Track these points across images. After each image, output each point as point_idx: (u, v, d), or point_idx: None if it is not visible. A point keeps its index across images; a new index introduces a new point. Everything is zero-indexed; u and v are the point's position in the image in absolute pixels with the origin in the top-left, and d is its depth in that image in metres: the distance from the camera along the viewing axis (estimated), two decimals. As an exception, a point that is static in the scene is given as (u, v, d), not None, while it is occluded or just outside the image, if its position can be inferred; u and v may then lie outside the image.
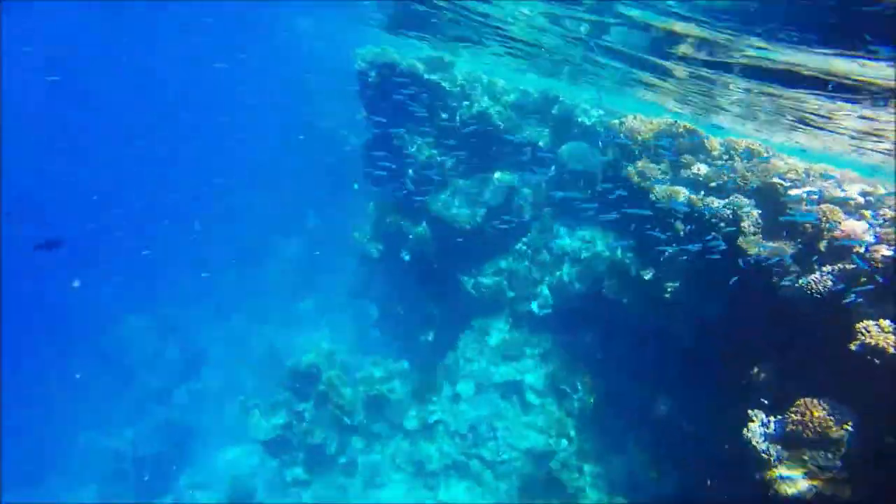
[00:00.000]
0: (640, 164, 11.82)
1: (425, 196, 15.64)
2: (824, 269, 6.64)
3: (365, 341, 21.69)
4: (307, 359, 15.43)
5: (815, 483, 5.57)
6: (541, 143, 16.15)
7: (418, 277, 17.09)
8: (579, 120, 16.18)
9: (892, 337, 5.14)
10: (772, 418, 6.21)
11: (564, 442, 13.23)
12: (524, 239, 15.97)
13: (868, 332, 5.30)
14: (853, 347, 5.38)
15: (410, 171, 16.07)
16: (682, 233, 10.56)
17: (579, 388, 14.35)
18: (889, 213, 7.14)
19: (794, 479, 5.63)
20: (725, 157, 11.05)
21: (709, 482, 10.15)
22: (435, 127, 15.96)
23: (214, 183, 30.64)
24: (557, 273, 15.40)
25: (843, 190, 8.01)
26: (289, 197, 29.09)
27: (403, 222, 16.17)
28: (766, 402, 6.84)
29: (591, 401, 13.93)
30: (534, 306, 15.67)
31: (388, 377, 16.30)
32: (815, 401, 5.91)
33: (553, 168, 16.00)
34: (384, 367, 16.59)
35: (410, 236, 16.16)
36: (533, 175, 16.11)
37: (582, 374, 14.45)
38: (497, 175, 15.56)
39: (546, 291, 15.66)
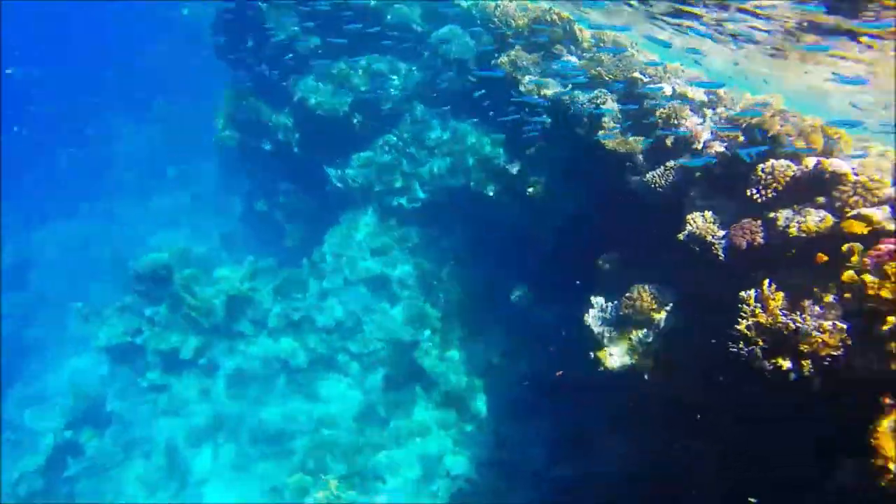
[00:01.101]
0: (513, 52, 11.40)
1: (287, 80, 14.17)
2: (668, 164, 6.88)
3: (228, 239, 20.35)
4: (155, 258, 14.08)
5: (633, 358, 6.10)
6: (415, 27, 15.06)
7: (281, 170, 15.94)
8: (455, 2, 15.17)
9: (713, 227, 5.49)
10: (609, 304, 6.63)
11: (428, 332, 13.60)
12: (394, 130, 15.27)
13: (694, 222, 5.61)
14: (681, 237, 5.71)
15: (270, 51, 14.37)
16: (548, 126, 10.54)
17: (445, 280, 14.64)
18: (725, 112, 7.50)
19: (617, 355, 6.14)
20: (594, 49, 10.95)
21: (557, 370, 11.01)
22: (298, 2, 14.19)
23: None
24: (428, 166, 15.07)
25: (690, 88, 8.26)
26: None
27: (263, 109, 14.67)
28: (609, 286, 7.26)
29: (456, 293, 14.33)
30: (403, 200, 15.37)
31: (251, 275, 15.51)
32: (646, 286, 6.35)
33: (426, 54, 15.11)
34: (247, 266, 15.71)
35: (271, 124, 14.80)
36: (404, 62, 15.15)
37: (449, 267, 14.72)
38: (365, 60, 14.41)
39: (416, 185, 15.34)
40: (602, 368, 6.39)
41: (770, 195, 5.06)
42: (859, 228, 4.30)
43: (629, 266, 8.02)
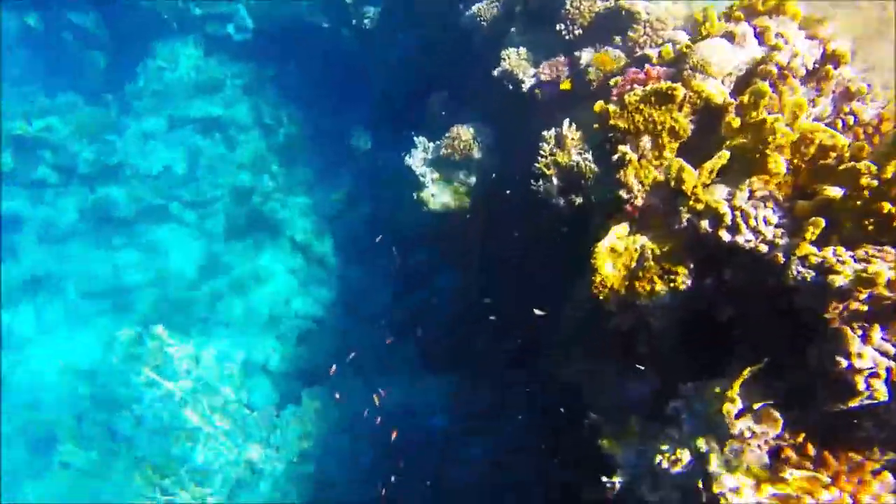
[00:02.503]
0: None
1: None
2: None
3: (16, 71, 16.79)
4: None
5: (454, 199, 6.37)
6: None
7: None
8: None
9: (525, 64, 5.53)
10: (431, 144, 6.65)
11: (267, 177, 12.98)
12: (210, -60, 12.90)
13: (508, 58, 5.60)
14: (495, 73, 5.71)
15: None
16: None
17: (285, 121, 13.71)
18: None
19: (438, 196, 6.35)
20: None
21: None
22: None
23: None
24: (254, -11, 13.20)
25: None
26: None
27: None
28: (437, 124, 7.24)
29: (297, 135, 13.58)
30: (230, 28, 13.55)
31: (42, 112, 13.18)
32: (466, 126, 6.41)
33: None
34: (37, 103, 13.30)
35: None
36: None
37: (287, 107, 13.72)
38: None
39: (243, 11, 13.49)
40: (425, 209, 6.60)
41: (577, 33, 5.13)
42: (610, 65, 4.67)
43: (459, 106, 8.01)
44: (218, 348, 10.84)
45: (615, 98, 3.79)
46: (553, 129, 4.96)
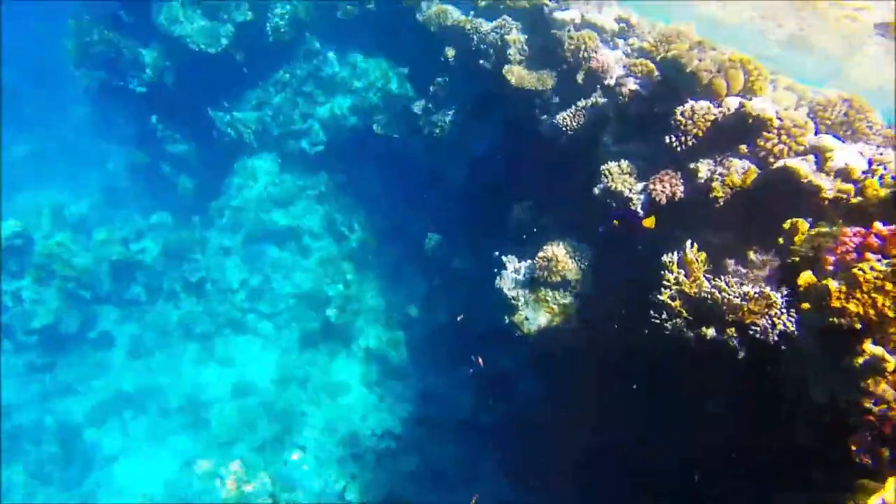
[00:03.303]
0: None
1: (149, 4, 12.09)
2: (579, 103, 6.25)
3: (112, 195, 18.09)
4: (8, 228, 12.09)
5: (550, 321, 5.71)
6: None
7: (160, 114, 14.01)
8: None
9: (630, 180, 4.97)
10: (522, 264, 6.11)
11: (341, 287, 12.82)
12: (286, 66, 13.66)
13: (609, 174, 5.07)
14: (597, 192, 5.18)
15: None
16: (451, 59, 9.57)
17: (356, 228, 13.75)
18: (637, 44, 6.89)
19: (533, 319, 5.72)
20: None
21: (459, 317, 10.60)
22: None
23: None
24: (328, 106, 13.74)
25: (599, 14, 7.54)
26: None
27: (124, 42, 12.55)
28: (524, 238, 6.75)
29: (369, 241, 13.52)
30: (304, 144, 14.05)
31: (138, 236, 13.88)
32: (560, 244, 5.86)
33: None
34: (131, 226, 14.04)
35: (139, 60, 12.74)
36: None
37: (359, 213, 13.80)
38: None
39: (317, 127, 14.01)
40: (519, 334, 5.97)
41: (690, 143, 4.57)
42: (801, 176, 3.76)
43: (543, 214, 7.53)
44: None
45: (832, 267, 2.92)
46: (675, 254, 4.30)
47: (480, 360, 9.49)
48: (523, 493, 9.76)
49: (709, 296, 4.05)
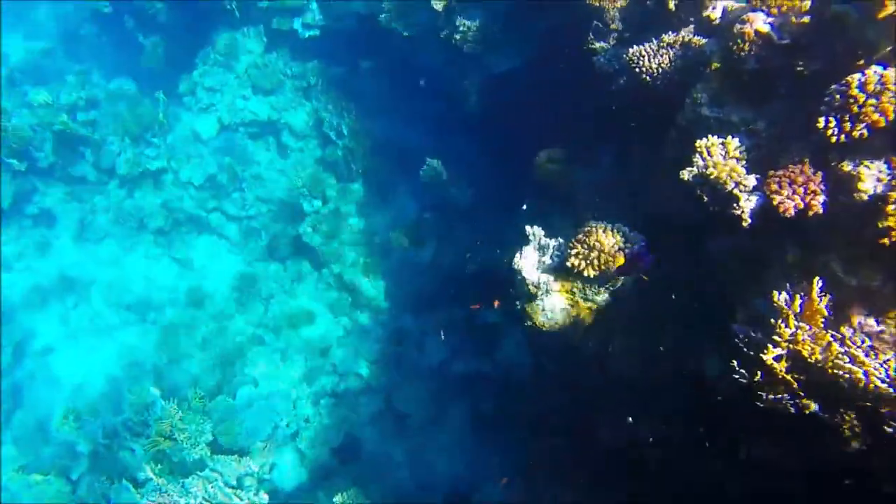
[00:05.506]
0: None
1: None
2: (665, 38, 4.56)
3: (71, 44, 15.62)
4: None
5: (570, 320, 4.41)
6: None
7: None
8: None
9: (740, 170, 3.42)
10: (551, 241, 4.67)
11: (319, 203, 11.28)
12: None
13: (708, 154, 3.51)
14: (685, 176, 3.63)
15: None
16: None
17: (346, 133, 11.96)
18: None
19: (550, 314, 4.41)
20: None
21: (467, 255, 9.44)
22: None
23: None
24: (329, -17, 11.45)
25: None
26: None
27: None
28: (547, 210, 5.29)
29: (359, 151, 11.81)
30: (297, 24, 11.87)
31: (91, 104, 11.91)
32: (609, 230, 4.41)
33: None
34: (85, 90, 12.01)
35: None
36: None
37: (350, 117, 11.95)
38: None
39: (315, 5, 11.78)
40: (529, 324, 4.70)
41: (859, 134, 3.01)
42: None
43: (577, 169, 6.02)
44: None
45: None
46: (786, 295, 2.94)
47: (479, 306, 8.48)
48: (490, 446, 9.08)
49: (839, 369, 2.76)
